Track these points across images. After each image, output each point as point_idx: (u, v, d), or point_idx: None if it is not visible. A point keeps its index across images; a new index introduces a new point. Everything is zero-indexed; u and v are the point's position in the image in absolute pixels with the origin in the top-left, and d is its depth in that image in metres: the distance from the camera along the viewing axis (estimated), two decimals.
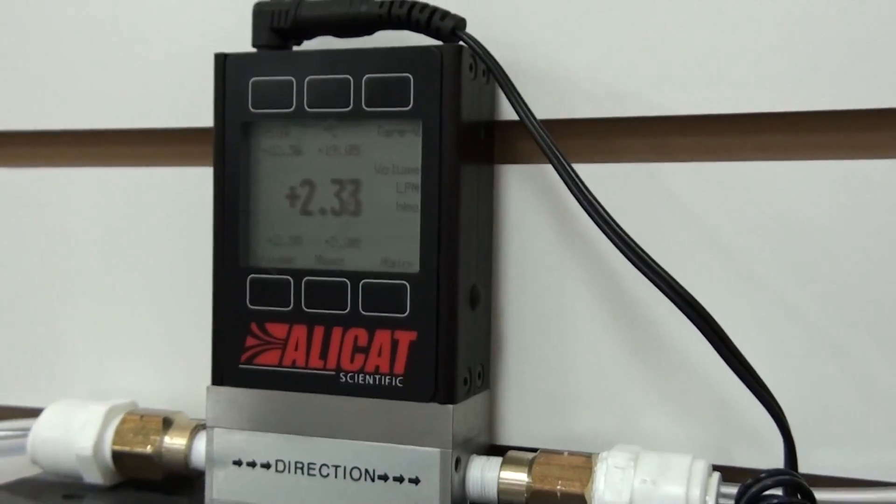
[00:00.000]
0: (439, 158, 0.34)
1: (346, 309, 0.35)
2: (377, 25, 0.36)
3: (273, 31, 0.37)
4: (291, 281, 0.35)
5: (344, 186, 0.35)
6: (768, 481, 0.29)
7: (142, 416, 0.39)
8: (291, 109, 0.35)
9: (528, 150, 0.37)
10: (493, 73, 0.35)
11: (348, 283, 0.35)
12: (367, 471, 0.34)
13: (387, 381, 0.34)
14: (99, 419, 0.39)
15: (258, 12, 0.37)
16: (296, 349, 0.35)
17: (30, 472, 0.41)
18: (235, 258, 0.36)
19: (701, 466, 0.32)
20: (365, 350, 0.35)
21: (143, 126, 0.44)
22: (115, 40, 0.44)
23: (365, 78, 0.35)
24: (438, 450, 0.33)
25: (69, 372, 0.46)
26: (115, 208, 0.45)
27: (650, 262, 0.31)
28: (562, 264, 0.38)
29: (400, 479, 0.34)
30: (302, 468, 0.35)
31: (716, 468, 0.33)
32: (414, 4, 0.35)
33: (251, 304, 0.36)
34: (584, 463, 0.33)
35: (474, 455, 0.35)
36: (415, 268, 0.34)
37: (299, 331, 0.35)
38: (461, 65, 0.34)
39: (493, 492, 0.34)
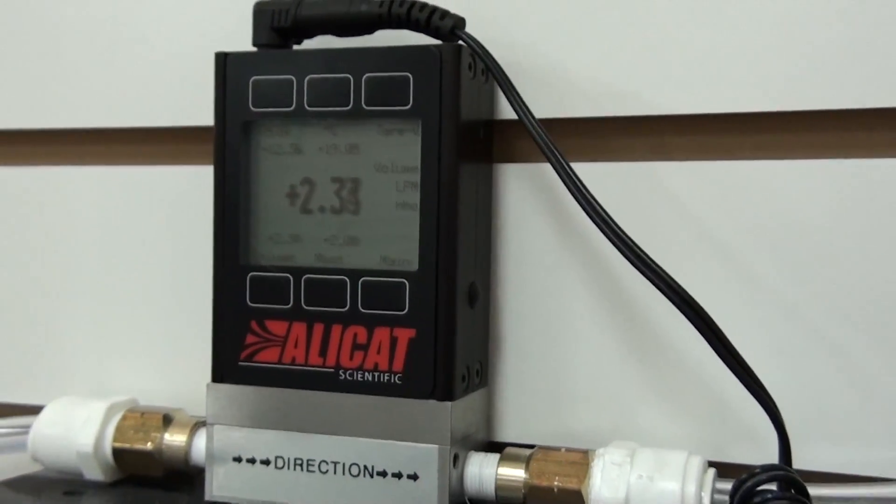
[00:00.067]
0: (438, 157, 0.34)
1: (345, 307, 0.35)
2: (377, 25, 0.36)
3: (273, 31, 0.37)
4: (291, 279, 0.36)
5: (344, 185, 0.35)
6: (763, 476, 0.29)
7: (142, 414, 0.39)
8: (291, 108, 0.36)
9: (527, 149, 0.38)
10: (492, 73, 0.35)
11: (348, 280, 0.35)
12: (366, 467, 0.35)
13: (386, 378, 0.34)
14: (100, 416, 0.39)
15: (258, 11, 0.37)
16: (295, 346, 0.36)
17: (30, 468, 0.41)
18: (235, 256, 0.36)
19: (696, 462, 0.32)
20: (364, 347, 0.35)
21: (144, 125, 0.44)
22: (116, 40, 0.44)
23: (365, 77, 0.35)
24: (437, 446, 0.34)
25: (70, 369, 0.46)
26: (116, 207, 0.45)
27: (647, 260, 0.32)
28: (560, 263, 0.38)
29: (399, 476, 0.34)
30: (301, 465, 0.35)
31: (711, 464, 0.33)
32: (413, 4, 0.35)
33: (251, 301, 0.36)
34: (581, 459, 0.33)
35: (472, 451, 0.35)
36: (414, 266, 0.34)
37: (299, 328, 0.36)
38: (460, 64, 0.34)
39: (490, 488, 0.34)
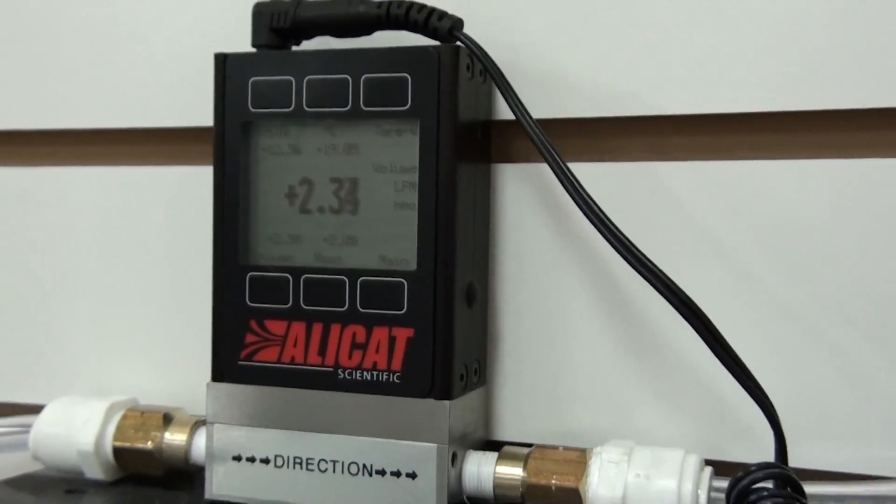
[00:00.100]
0: (436, 157, 0.34)
1: (344, 306, 0.35)
2: (375, 26, 0.36)
3: (272, 32, 0.37)
4: (290, 279, 0.36)
5: (342, 185, 0.36)
6: (758, 474, 0.30)
7: (142, 413, 0.39)
8: (290, 109, 0.36)
9: (525, 150, 0.38)
10: (489, 73, 0.35)
11: (346, 280, 0.35)
12: (364, 466, 0.35)
13: (384, 377, 0.35)
14: (100, 415, 0.39)
15: (258, 13, 0.37)
16: (294, 346, 0.36)
17: (31, 467, 0.41)
18: (235, 256, 0.36)
19: (693, 461, 0.32)
20: (363, 347, 0.35)
21: (144, 125, 0.44)
22: (116, 41, 0.44)
23: (363, 78, 0.35)
24: (435, 445, 0.34)
25: (70, 369, 0.46)
26: (116, 207, 0.45)
27: (644, 260, 0.32)
28: (558, 262, 0.38)
29: (397, 474, 0.34)
30: (301, 463, 0.35)
31: (708, 463, 0.33)
32: (412, 5, 0.35)
33: (250, 301, 0.36)
34: (579, 458, 0.33)
35: (471, 450, 0.35)
36: (412, 266, 0.34)
37: (298, 328, 0.36)
38: (458, 65, 0.34)
39: (489, 486, 0.34)
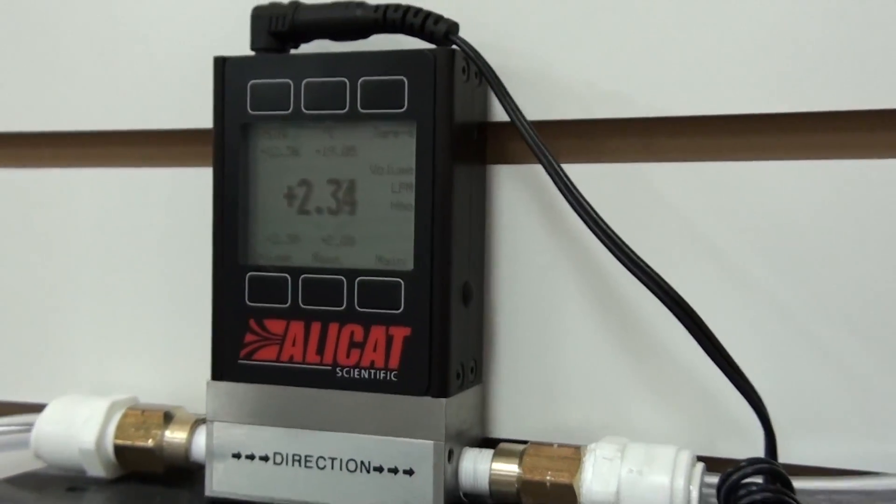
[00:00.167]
0: (433, 159, 0.34)
1: (342, 305, 0.35)
2: (372, 29, 0.36)
3: (271, 35, 0.37)
4: (289, 278, 0.36)
5: (340, 186, 0.36)
6: (748, 469, 0.30)
7: (143, 411, 0.40)
8: (289, 111, 0.36)
9: (520, 151, 0.38)
10: (485, 76, 0.35)
11: (344, 280, 0.35)
12: (362, 463, 0.35)
13: (382, 375, 0.35)
14: (101, 414, 0.39)
15: (256, 16, 0.37)
16: (293, 345, 0.36)
17: (33, 466, 0.41)
18: (234, 256, 0.37)
19: (685, 457, 0.32)
20: (360, 345, 0.35)
21: (144, 127, 0.44)
22: (117, 44, 0.44)
23: (361, 80, 0.35)
24: (432, 442, 0.34)
25: (72, 368, 0.46)
26: (117, 208, 0.45)
27: (636, 258, 0.32)
28: (552, 262, 0.38)
29: (395, 471, 0.34)
30: (299, 460, 0.36)
31: (700, 459, 0.33)
32: (408, 9, 0.36)
33: (250, 301, 0.36)
34: (573, 454, 0.34)
35: (467, 447, 0.36)
36: (409, 265, 0.35)
37: (297, 327, 0.36)
38: (454, 68, 0.34)
39: (484, 483, 0.35)
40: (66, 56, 0.45)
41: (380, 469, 0.35)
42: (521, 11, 0.38)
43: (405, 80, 0.34)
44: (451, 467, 0.35)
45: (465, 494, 0.35)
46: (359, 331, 0.35)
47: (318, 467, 0.35)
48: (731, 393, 0.32)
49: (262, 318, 0.36)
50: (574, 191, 0.33)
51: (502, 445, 0.35)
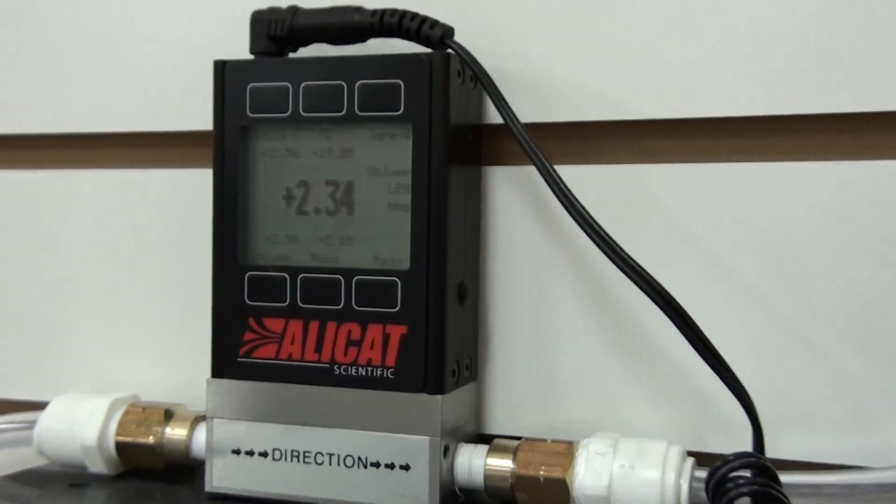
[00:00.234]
0: (429, 160, 0.34)
1: (339, 304, 0.36)
2: (369, 33, 0.37)
3: (270, 39, 0.37)
4: (288, 278, 0.36)
5: (338, 187, 0.36)
6: (735, 463, 0.30)
7: (144, 409, 0.40)
8: (287, 114, 0.36)
9: (514, 152, 0.38)
10: (479, 80, 0.35)
11: (342, 279, 0.36)
12: (360, 458, 0.35)
13: (379, 372, 0.35)
14: (103, 411, 0.39)
15: (256, 20, 0.37)
16: (292, 343, 0.36)
17: (35, 462, 0.42)
18: (234, 256, 0.37)
19: (676, 452, 0.33)
20: (358, 343, 0.35)
21: (145, 129, 0.44)
22: (118, 48, 0.45)
23: (358, 84, 0.35)
24: (428, 438, 0.34)
25: (74, 367, 0.46)
26: (118, 209, 0.45)
27: (626, 257, 0.32)
28: (546, 261, 0.39)
29: (391, 466, 0.35)
30: (298, 456, 0.36)
31: (690, 454, 0.34)
32: (405, 14, 0.36)
33: (249, 300, 0.37)
34: (566, 450, 0.34)
35: (462, 443, 0.36)
36: (405, 265, 0.35)
37: (295, 325, 0.36)
38: (450, 71, 0.35)
39: (479, 478, 0.35)
40: (68, 59, 0.46)
41: (377, 465, 0.35)
42: (515, 16, 0.38)
43: (402, 83, 0.35)
44: (446, 463, 0.35)
45: (461, 489, 0.36)
46: (356, 329, 0.35)
47: (317, 463, 0.36)
48: (721, 390, 0.33)
49: (261, 316, 0.37)
50: (566, 191, 0.33)
51: (497, 441, 0.36)
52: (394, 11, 0.36)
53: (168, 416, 0.40)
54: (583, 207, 0.33)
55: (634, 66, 0.37)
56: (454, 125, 0.35)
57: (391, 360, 0.35)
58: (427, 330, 0.35)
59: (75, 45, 0.45)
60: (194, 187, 0.43)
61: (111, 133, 0.45)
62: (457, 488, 0.36)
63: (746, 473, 0.30)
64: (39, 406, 0.42)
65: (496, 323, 0.39)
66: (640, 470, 0.32)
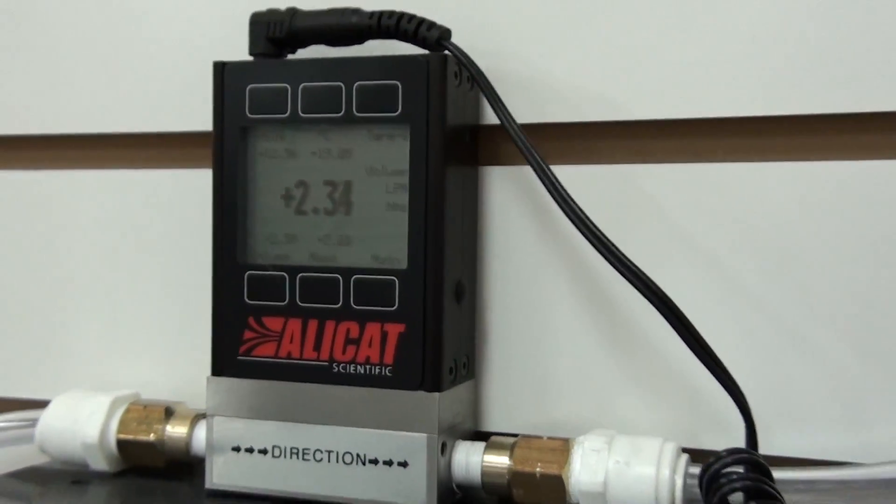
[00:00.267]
0: (426, 161, 0.35)
1: (338, 303, 0.36)
2: (367, 35, 0.37)
3: (269, 41, 0.37)
4: (287, 277, 0.36)
5: (336, 187, 0.36)
6: (728, 459, 0.30)
7: (145, 407, 0.40)
8: (286, 115, 0.36)
9: (511, 153, 0.38)
10: (476, 81, 0.36)
11: (340, 278, 0.36)
12: (358, 455, 0.35)
13: (377, 370, 0.35)
14: (104, 409, 0.40)
15: (255, 22, 0.38)
16: (291, 341, 0.36)
17: (37, 460, 0.42)
18: (234, 255, 0.37)
19: (671, 448, 0.33)
20: (356, 342, 0.36)
21: (146, 130, 0.45)
22: (119, 49, 0.45)
23: (356, 85, 0.36)
24: (425, 435, 0.34)
25: (75, 366, 0.46)
26: (118, 209, 0.45)
27: (621, 256, 0.33)
28: (543, 260, 0.39)
29: (389, 463, 0.35)
30: (297, 453, 0.36)
31: (684, 450, 0.34)
32: (402, 16, 0.36)
33: (249, 299, 0.37)
34: (562, 446, 0.34)
35: (459, 440, 0.36)
36: (403, 264, 0.35)
37: (294, 324, 0.36)
38: (447, 72, 0.35)
39: (477, 474, 0.35)
40: (69, 60, 0.46)
41: (375, 461, 0.35)
42: (511, 18, 0.39)
43: (399, 84, 0.35)
44: (444, 459, 0.35)
45: (458, 486, 0.36)
46: (354, 327, 0.36)
47: (316, 460, 0.36)
48: (715, 388, 0.33)
49: (260, 315, 0.37)
50: (561, 191, 0.34)
51: (494, 438, 0.36)
52: (391, 13, 0.36)
53: (168, 413, 0.40)
54: (578, 207, 0.33)
55: (631, 67, 0.37)
56: (451, 126, 0.36)
57: (389, 358, 0.35)
58: (425, 328, 0.35)
59: (76, 46, 0.46)
60: (194, 187, 0.43)
61: (111, 134, 0.45)
62: (454, 485, 0.36)
63: (740, 469, 0.31)
64: (41, 404, 0.42)
65: (493, 322, 0.40)
66: (635, 466, 0.33)
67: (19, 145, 0.48)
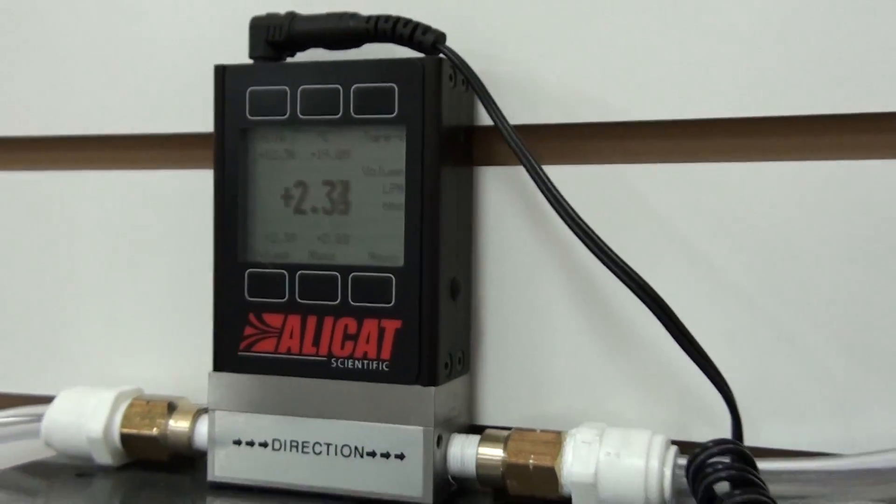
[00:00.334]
0: (422, 161, 0.35)
1: (336, 300, 0.36)
2: (364, 39, 0.38)
3: (268, 44, 0.38)
4: (286, 274, 0.37)
5: (334, 187, 0.37)
6: (714, 449, 0.31)
7: (148, 402, 0.40)
8: (286, 116, 0.37)
9: (505, 153, 0.39)
10: (470, 83, 0.36)
11: (339, 276, 0.36)
12: (356, 448, 0.36)
13: (374, 365, 0.36)
14: (108, 404, 0.40)
15: (255, 26, 0.38)
16: (290, 337, 0.37)
17: (43, 454, 0.42)
18: (234, 254, 0.38)
19: (659, 440, 0.34)
20: (354, 337, 0.36)
21: (148, 132, 0.45)
22: (122, 52, 0.45)
23: (353, 87, 0.36)
24: (422, 428, 0.35)
25: (80, 363, 0.47)
26: (122, 209, 0.46)
27: (609, 252, 0.33)
28: (536, 258, 0.39)
29: (386, 455, 0.36)
30: (297, 446, 0.37)
31: (674, 443, 0.35)
32: (398, 20, 0.37)
33: (249, 296, 0.37)
34: (555, 439, 0.35)
35: (455, 433, 0.37)
36: (400, 262, 0.36)
37: (294, 320, 0.37)
38: (442, 75, 0.35)
39: (471, 466, 0.36)
40: (71, 63, 0.46)
41: (373, 454, 0.36)
42: (504, 22, 0.39)
43: (395, 87, 0.36)
44: (440, 452, 0.36)
45: (454, 477, 0.36)
46: (352, 324, 0.36)
47: (315, 453, 0.37)
48: (704, 383, 0.33)
49: (260, 312, 0.37)
50: (553, 189, 0.34)
51: (488, 431, 0.36)
52: (388, 18, 0.37)
53: (171, 408, 0.40)
54: (568, 205, 0.34)
55: (621, 70, 0.38)
56: (446, 127, 0.36)
57: (386, 353, 0.36)
58: (421, 324, 0.35)
59: (77, 48, 0.46)
60: (195, 188, 0.44)
61: (115, 135, 0.46)
62: (450, 476, 0.36)
63: (725, 459, 0.31)
64: (46, 400, 0.42)
65: (488, 318, 0.40)
66: (625, 458, 0.33)
67: (23, 147, 0.48)
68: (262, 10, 0.39)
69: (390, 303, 0.36)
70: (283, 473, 0.37)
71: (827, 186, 0.36)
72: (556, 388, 0.39)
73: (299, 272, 0.37)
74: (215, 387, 0.38)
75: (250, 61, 0.39)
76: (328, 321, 0.37)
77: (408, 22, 0.37)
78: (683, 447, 0.35)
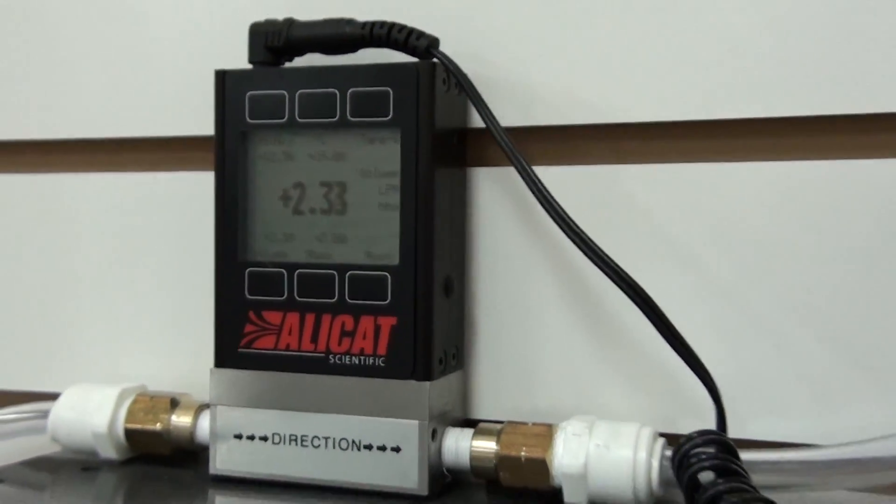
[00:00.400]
0: (416, 163, 0.36)
1: (334, 298, 0.37)
2: (360, 44, 0.38)
3: (267, 49, 0.39)
4: (285, 273, 0.38)
5: (331, 188, 0.37)
6: (698, 440, 0.32)
7: (151, 398, 0.41)
8: (284, 120, 0.38)
9: (497, 154, 0.39)
10: (463, 87, 0.37)
11: (336, 274, 0.37)
12: (353, 441, 0.37)
13: (370, 361, 0.37)
14: (112, 400, 0.41)
15: (254, 32, 0.39)
16: (289, 334, 0.38)
17: (49, 450, 0.43)
18: (234, 253, 0.38)
19: (647, 433, 0.34)
20: (351, 334, 0.37)
21: (150, 135, 0.45)
22: (124, 57, 0.46)
23: (350, 91, 0.37)
24: (417, 422, 0.36)
25: (84, 360, 0.47)
26: (125, 211, 0.46)
27: (597, 250, 0.34)
28: (527, 256, 0.40)
29: (383, 448, 0.36)
30: (296, 440, 0.37)
31: (661, 435, 0.35)
32: (393, 26, 0.37)
33: (249, 294, 0.38)
34: (546, 432, 0.35)
35: (449, 427, 0.37)
36: (395, 260, 0.36)
37: (292, 318, 0.38)
38: (435, 79, 0.36)
39: (465, 459, 0.36)
40: (74, 67, 0.46)
41: (369, 447, 0.36)
42: (496, 27, 0.40)
43: (390, 90, 0.36)
44: (434, 445, 0.36)
45: (448, 470, 0.37)
46: (349, 321, 0.37)
47: (313, 446, 0.37)
48: (691, 377, 0.34)
49: (260, 309, 0.38)
50: (543, 190, 0.35)
51: (481, 425, 0.37)
52: (383, 23, 0.37)
53: (174, 404, 0.41)
54: (558, 205, 0.35)
55: (611, 73, 0.38)
56: (440, 129, 0.37)
57: (382, 349, 0.36)
58: (416, 321, 0.36)
59: (80, 52, 0.46)
60: (197, 189, 0.44)
61: (118, 138, 0.46)
62: (444, 469, 0.37)
63: (709, 449, 0.32)
64: (52, 397, 0.43)
65: (481, 315, 0.41)
66: (614, 449, 0.34)
67: (26, 150, 0.49)
68: (261, 16, 0.39)
69: (386, 300, 0.37)
70: (282, 466, 0.38)
71: (813, 185, 0.37)
72: (548, 382, 0.40)
73: (298, 271, 0.38)
74: (216, 383, 0.38)
75: (249, 66, 0.39)
76: (326, 318, 0.37)
77: (402, 28, 0.37)
78: (671, 439, 0.35)
